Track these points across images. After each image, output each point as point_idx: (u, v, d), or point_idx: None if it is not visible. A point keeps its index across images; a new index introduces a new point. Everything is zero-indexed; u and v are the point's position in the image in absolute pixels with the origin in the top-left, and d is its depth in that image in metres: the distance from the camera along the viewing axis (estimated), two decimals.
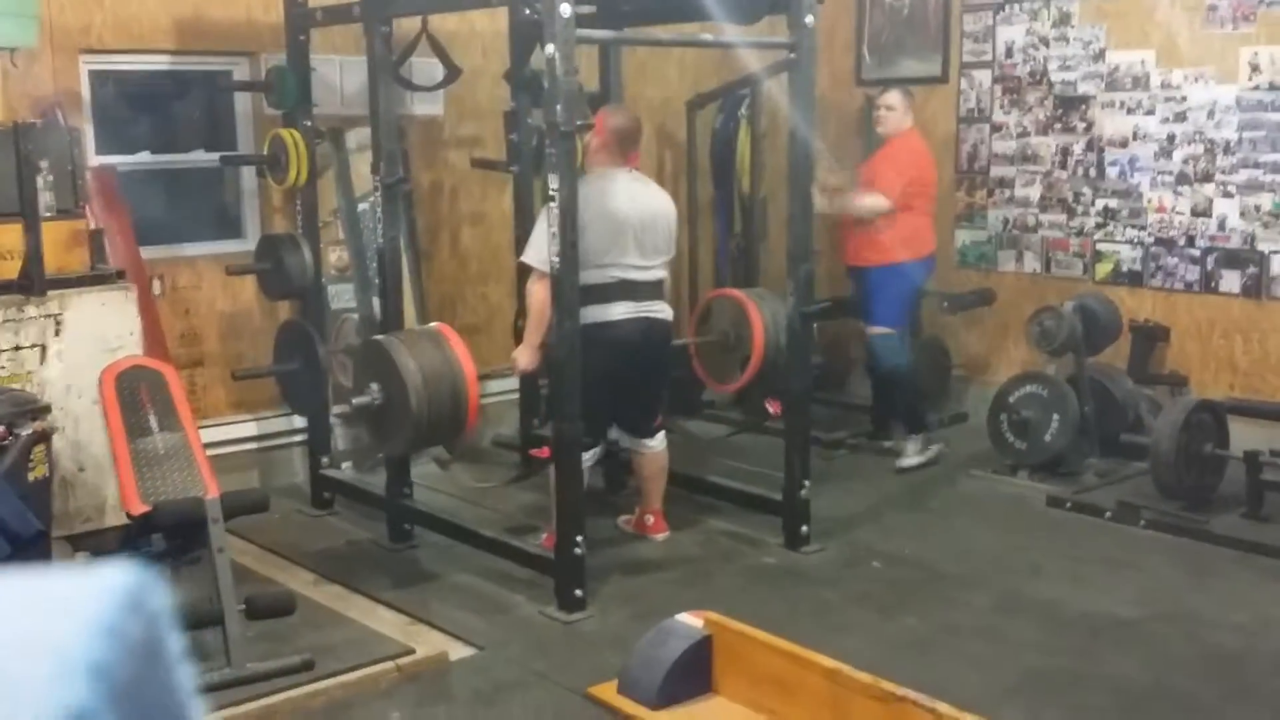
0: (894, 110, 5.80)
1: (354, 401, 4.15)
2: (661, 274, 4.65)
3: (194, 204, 5.67)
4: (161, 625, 0.63)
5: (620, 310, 4.49)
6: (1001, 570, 4.63)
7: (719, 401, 6.72)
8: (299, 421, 5.52)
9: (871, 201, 5.74)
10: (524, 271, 5.16)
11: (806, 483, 4.79)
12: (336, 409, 5.36)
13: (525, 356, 4.53)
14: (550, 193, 3.92)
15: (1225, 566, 4.62)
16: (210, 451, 4.10)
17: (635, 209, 4.54)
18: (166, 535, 3.76)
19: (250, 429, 5.54)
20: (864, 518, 5.24)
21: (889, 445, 6.10)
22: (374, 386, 4.11)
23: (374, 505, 5.04)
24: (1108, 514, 5.14)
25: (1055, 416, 5.58)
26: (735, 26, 4.79)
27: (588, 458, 4.49)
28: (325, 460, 5.35)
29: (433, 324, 4.38)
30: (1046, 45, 6.38)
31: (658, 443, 4.85)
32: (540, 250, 4.25)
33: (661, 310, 4.64)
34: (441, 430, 4.15)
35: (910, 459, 5.89)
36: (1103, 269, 6.27)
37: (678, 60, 6.90)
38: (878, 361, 5.92)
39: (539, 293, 4.30)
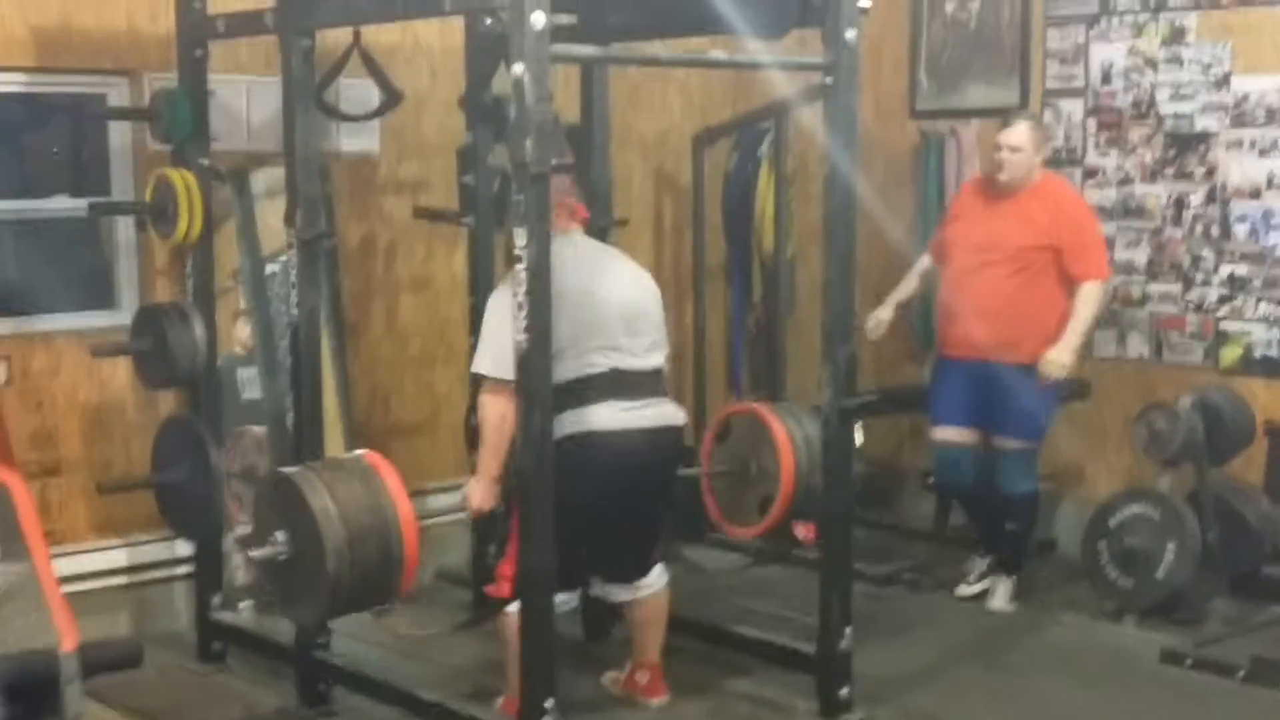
0: (1021, 151, 5.71)
1: (254, 554, 4.13)
2: (660, 362, 4.65)
3: (53, 264, 5.67)
4: None
5: (610, 414, 4.43)
6: None
7: None
8: (183, 548, 5.48)
9: (1097, 295, 5.77)
10: None
11: (848, 630, 4.75)
12: (234, 534, 5.33)
13: (480, 492, 4.48)
14: (516, 252, 3.93)
15: None
16: (67, 588, 4.04)
17: (614, 284, 4.57)
18: (7, 698, 3.71)
19: (120, 558, 5.49)
20: (923, 678, 5.20)
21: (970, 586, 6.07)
22: (280, 536, 4.09)
23: (280, 659, 4.99)
24: (1240, 674, 5.10)
25: (1170, 545, 5.56)
26: (755, 43, 4.85)
27: (561, 602, 4.45)
28: (217, 600, 5.30)
29: (359, 452, 4.38)
30: (1154, 68, 6.46)
31: (655, 579, 4.82)
32: (493, 352, 4.28)
33: (670, 413, 4.62)
34: (367, 595, 4.13)
35: (1005, 602, 5.92)
36: (1229, 355, 6.28)
37: (681, 85, 6.98)
38: (1012, 484, 5.87)
39: (495, 408, 4.31)
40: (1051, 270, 5.70)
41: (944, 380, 5.99)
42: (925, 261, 6.12)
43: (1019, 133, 5.71)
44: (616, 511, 4.54)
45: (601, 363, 4.45)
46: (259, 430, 5.30)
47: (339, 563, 3.95)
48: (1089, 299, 5.73)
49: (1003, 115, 5.98)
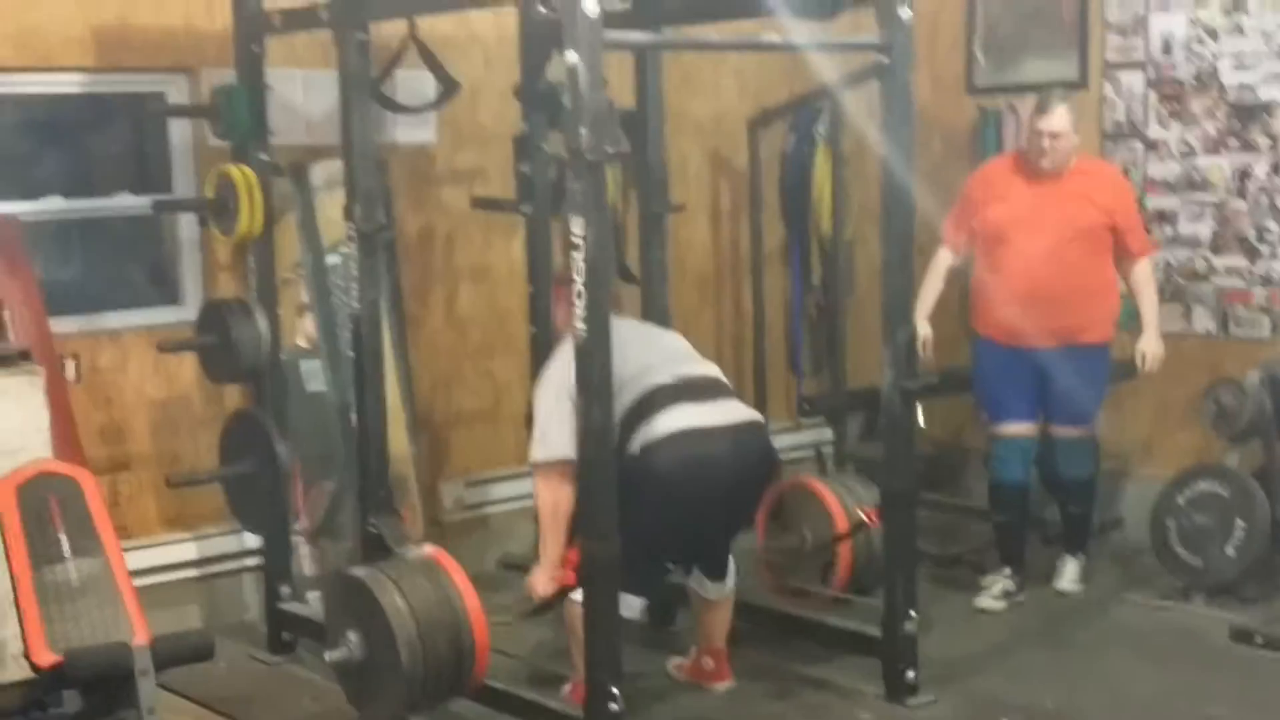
0: (1063, 137, 5.52)
1: (328, 657, 4.21)
2: (720, 374, 4.68)
3: (118, 262, 5.74)
4: None
5: (681, 416, 4.38)
6: None
7: None
8: (252, 541, 5.54)
9: (1153, 270, 5.83)
10: (541, 348, 5.22)
11: (913, 613, 4.75)
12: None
13: (544, 581, 4.49)
14: (573, 239, 3.95)
15: None
16: (139, 581, 4.12)
17: (662, 339, 4.74)
18: (83, 692, 3.77)
19: (190, 551, 5.56)
20: (989, 658, 5.19)
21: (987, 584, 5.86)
22: (353, 636, 4.15)
23: None
24: None
25: (1239, 523, 5.52)
26: (809, 24, 4.84)
27: (633, 606, 4.49)
28: (286, 590, 5.35)
29: (425, 548, 4.44)
30: (1216, 39, 6.40)
31: (730, 576, 4.84)
32: (540, 437, 4.37)
33: (746, 409, 4.62)
34: (441, 687, 4.19)
35: (1073, 583, 5.87)
36: None
37: (735, 68, 6.96)
38: (1077, 469, 5.79)
39: (547, 494, 4.37)
40: (1109, 249, 5.65)
41: (1004, 371, 5.72)
42: (947, 257, 5.79)
43: (1059, 118, 5.51)
44: (708, 516, 4.52)
45: (661, 377, 4.46)
46: (332, 486, 5.37)
47: (412, 657, 4.01)
48: (1150, 277, 5.75)
49: (1038, 98, 5.65)
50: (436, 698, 4.27)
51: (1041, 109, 5.56)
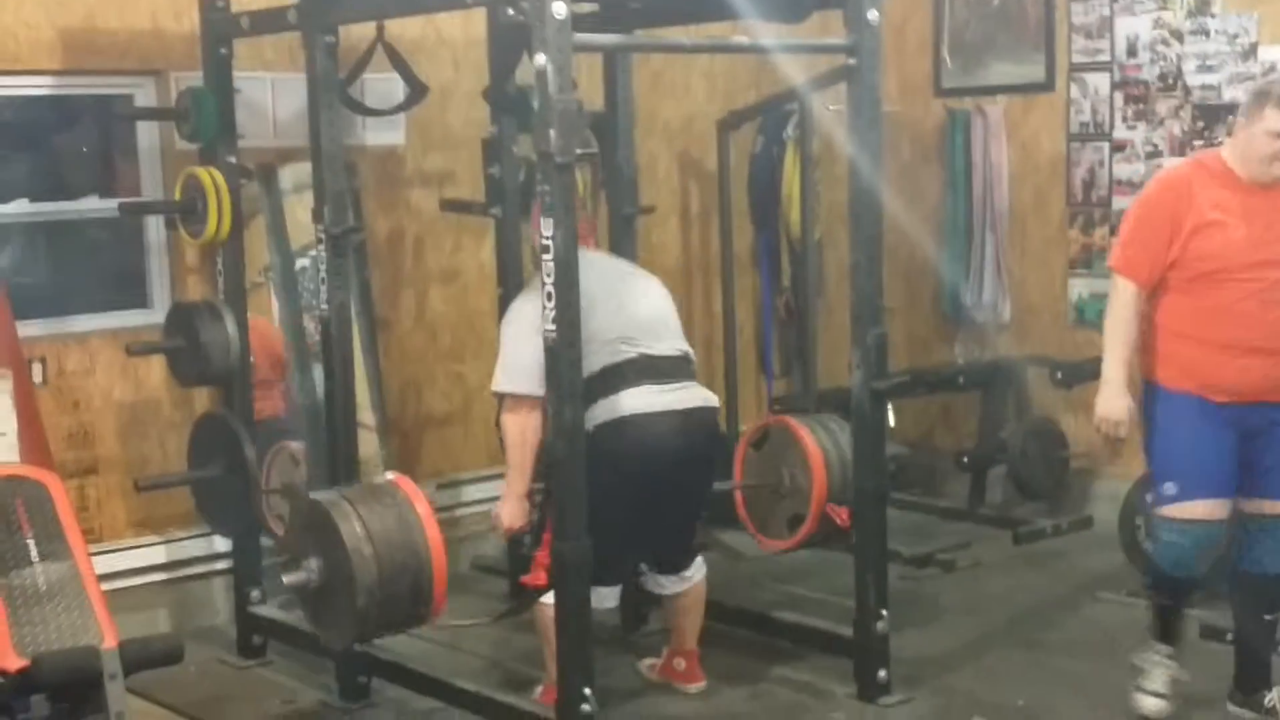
0: None
1: (287, 580, 4.19)
2: (686, 349, 4.67)
3: (86, 265, 5.72)
4: None
5: (641, 398, 4.43)
6: None
7: None
8: (221, 544, 5.52)
9: None
10: None
11: (884, 613, 4.76)
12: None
13: (509, 511, 4.52)
14: (543, 242, 3.94)
15: None
16: (107, 585, 4.09)
17: (636, 291, 4.62)
18: (50, 696, 3.74)
19: (158, 554, 5.53)
20: (962, 658, 5.19)
21: None
22: (313, 564, 4.13)
23: (320, 652, 4.99)
24: None
25: None
26: (778, 27, 4.84)
27: (606, 596, 4.50)
28: (256, 594, 5.33)
29: (388, 476, 4.42)
30: (1180, 40, 6.44)
31: (698, 568, 4.83)
32: (509, 368, 4.34)
33: (702, 394, 4.62)
34: (397, 619, 4.18)
35: None
36: None
37: (704, 70, 6.97)
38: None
39: (514, 425, 4.37)
40: None
41: (1204, 434, 4.42)
42: (1135, 295, 4.43)
43: None
44: (659, 498, 4.53)
45: (628, 350, 4.47)
46: (296, 445, 5.33)
47: (369, 600, 4.01)
48: None
49: (1259, 93, 4.36)
50: (391, 628, 4.28)
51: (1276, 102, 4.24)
